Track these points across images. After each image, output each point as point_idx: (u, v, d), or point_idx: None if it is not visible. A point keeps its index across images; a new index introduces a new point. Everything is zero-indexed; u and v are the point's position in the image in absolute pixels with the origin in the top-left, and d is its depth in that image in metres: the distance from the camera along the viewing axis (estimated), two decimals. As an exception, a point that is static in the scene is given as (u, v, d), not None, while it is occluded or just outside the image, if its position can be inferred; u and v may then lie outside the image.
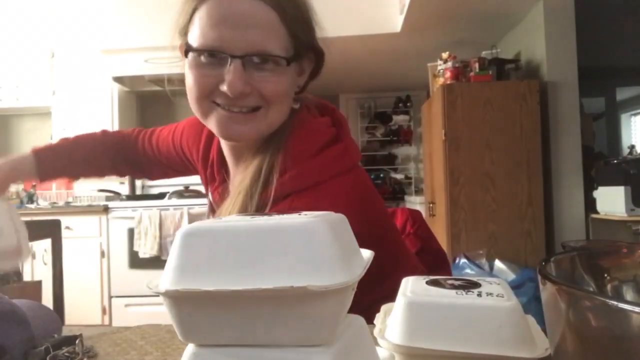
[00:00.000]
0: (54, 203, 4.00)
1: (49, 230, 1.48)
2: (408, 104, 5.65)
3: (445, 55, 3.22)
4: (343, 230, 0.37)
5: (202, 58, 0.68)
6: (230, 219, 0.37)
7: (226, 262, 0.33)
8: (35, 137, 4.43)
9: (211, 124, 0.72)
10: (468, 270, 2.78)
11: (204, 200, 3.53)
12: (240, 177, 0.74)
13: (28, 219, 3.44)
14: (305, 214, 0.37)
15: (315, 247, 0.32)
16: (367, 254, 0.40)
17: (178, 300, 0.33)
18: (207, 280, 0.32)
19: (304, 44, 0.72)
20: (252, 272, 0.32)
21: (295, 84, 0.75)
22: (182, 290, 0.32)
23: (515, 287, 2.47)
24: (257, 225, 0.34)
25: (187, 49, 0.70)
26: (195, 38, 0.68)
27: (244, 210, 0.68)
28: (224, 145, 0.81)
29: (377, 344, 0.41)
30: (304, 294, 0.30)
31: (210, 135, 0.86)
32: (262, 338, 0.33)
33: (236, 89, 0.66)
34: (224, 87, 0.67)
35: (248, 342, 0.33)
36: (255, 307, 0.32)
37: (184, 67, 0.72)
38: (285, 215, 0.36)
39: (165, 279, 0.34)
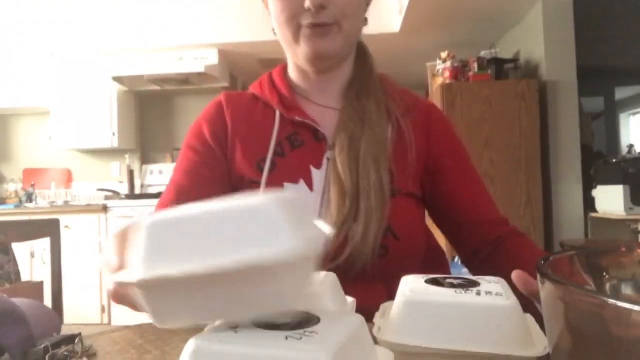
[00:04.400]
0: (53, 202, 4.00)
1: (48, 229, 1.48)
2: (407, 104, 5.64)
3: (444, 54, 3.22)
4: (299, 206, 0.38)
5: None
6: (188, 206, 0.38)
7: (190, 248, 0.34)
8: (34, 137, 4.42)
9: (300, 46, 0.81)
10: (467, 269, 2.78)
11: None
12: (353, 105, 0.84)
13: (27, 218, 3.43)
14: (263, 194, 0.38)
15: (272, 224, 0.34)
16: (326, 229, 0.41)
17: (149, 288, 0.35)
18: (174, 266, 0.34)
19: None
20: (215, 253, 0.34)
21: (364, 1, 0.85)
22: (151, 279, 0.34)
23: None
24: (215, 209, 0.35)
25: None
26: None
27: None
28: (309, 79, 0.89)
29: (376, 342, 0.41)
30: (263, 269, 0.32)
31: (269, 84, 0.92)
32: (231, 314, 0.36)
33: (317, 1, 0.76)
34: (307, 3, 0.76)
35: (218, 319, 0.36)
36: (222, 285, 0.34)
37: (268, 3, 0.84)
38: (241, 197, 0.37)
39: (135, 270, 0.35)
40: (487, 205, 0.87)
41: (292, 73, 0.91)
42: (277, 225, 0.34)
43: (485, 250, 0.83)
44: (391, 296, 0.54)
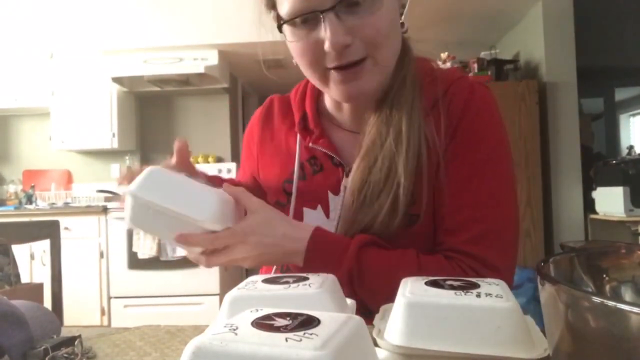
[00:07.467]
0: (53, 204, 3.99)
1: (48, 231, 1.48)
2: (407, 105, 5.64)
3: (444, 55, 3.22)
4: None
5: (297, 26, 0.67)
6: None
7: (173, 191, 0.66)
8: (33, 138, 4.42)
9: (331, 91, 0.72)
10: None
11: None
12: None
13: (27, 219, 3.42)
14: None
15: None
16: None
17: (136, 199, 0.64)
18: (159, 197, 0.65)
19: None
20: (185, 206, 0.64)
21: (399, 6, 0.71)
22: (141, 198, 0.64)
23: (514, 287, 2.46)
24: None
25: (279, 24, 0.69)
26: (284, 9, 0.67)
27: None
28: (340, 107, 0.81)
29: (376, 344, 0.41)
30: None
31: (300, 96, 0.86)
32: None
33: (337, 42, 0.64)
34: (327, 46, 0.65)
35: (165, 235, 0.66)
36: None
37: (285, 39, 0.72)
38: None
39: (134, 187, 0.64)
40: (458, 228, 0.70)
41: (325, 97, 0.85)
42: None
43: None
44: None
